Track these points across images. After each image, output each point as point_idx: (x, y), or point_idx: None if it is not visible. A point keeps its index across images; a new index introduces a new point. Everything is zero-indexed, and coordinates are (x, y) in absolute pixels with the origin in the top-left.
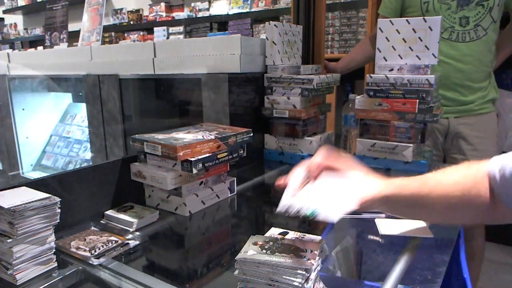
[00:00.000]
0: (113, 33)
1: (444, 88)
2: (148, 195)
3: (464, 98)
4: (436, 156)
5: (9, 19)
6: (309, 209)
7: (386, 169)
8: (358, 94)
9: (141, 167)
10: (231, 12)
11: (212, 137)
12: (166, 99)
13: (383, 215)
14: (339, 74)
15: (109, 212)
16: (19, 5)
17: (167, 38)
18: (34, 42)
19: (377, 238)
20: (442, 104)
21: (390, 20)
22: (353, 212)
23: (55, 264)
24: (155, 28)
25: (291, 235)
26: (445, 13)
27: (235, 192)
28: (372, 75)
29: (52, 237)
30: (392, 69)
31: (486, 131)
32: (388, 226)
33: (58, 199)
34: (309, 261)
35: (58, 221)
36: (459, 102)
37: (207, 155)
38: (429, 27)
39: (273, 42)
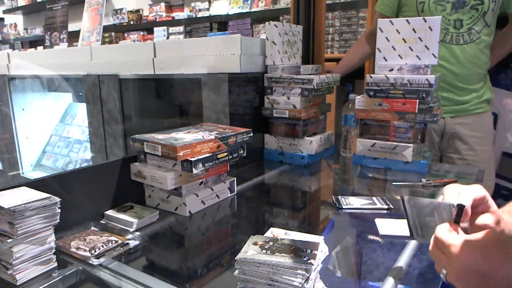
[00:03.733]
0: (113, 33)
1: (439, 88)
2: (148, 195)
3: (459, 98)
4: (433, 155)
5: (9, 19)
6: None
7: (386, 169)
8: (358, 94)
9: (141, 167)
10: (231, 12)
11: (212, 137)
12: (166, 99)
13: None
14: (338, 74)
15: (109, 212)
16: (19, 5)
17: (167, 38)
18: (34, 42)
19: (377, 238)
20: None
21: (390, 20)
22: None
23: (55, 264)
24: (155, 28)
25: (291, 235)
26: (440, 15)
27: (235, 192)
28: (372, 75)
29: (52, 237)
30: (392, 69)
31: (482, 130)
32: (388, 226)
33: (58, 199)
34: (309, 261)
35: (58, 221)
36: (455, 101)
37: (207, 155)
38: (429, 27)
39: (273, 42)
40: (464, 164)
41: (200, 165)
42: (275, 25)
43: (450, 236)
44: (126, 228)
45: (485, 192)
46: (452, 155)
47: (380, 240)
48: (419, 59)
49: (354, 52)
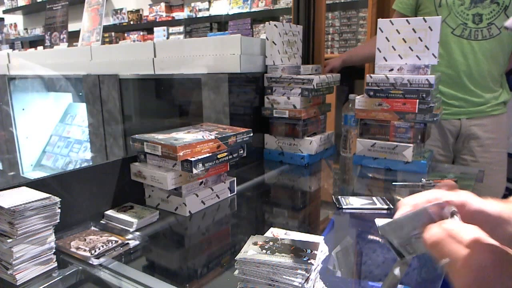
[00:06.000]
0: (113, 33)
1: (456, 88)
2: (148, 195)
3: (477, 99)
4: (445, 157)
5: (9, 19)
6: None
7: (386, 169)
8: (358, 94)
9: (141, 167)
10: (231, 12)
11: (212, 137)
12: (166, 99)
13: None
14: (338, 74)
15: (109, 212)
16: (19, 5)
17: (167, 38)
18: (34, 42)
19: (377, 238)
20: (453, 105)
21: (390, 20)
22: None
23: (55, 264)
24: (155, 28)
25: (291, 235)
26: (458, 9)
27: (235, 192)
28: (372, 75)
29: (52, 237)
30: (392, 69)
31: (498, 132)
32: None
33: (58, 199)
34: (309, 261)
35: (58, 221)
36: (472, 103)
37: (207, 155)
38: (429, 27)
39: (273, 42)
40: (477, 166)
41: (200, 165)
42: (275, 25)
43: (470, 228)
44: (126, 228)
45: (445, 194)
46: (466, 156)
47: (380, 240)
48: (419, 59)
49: (364, 47)
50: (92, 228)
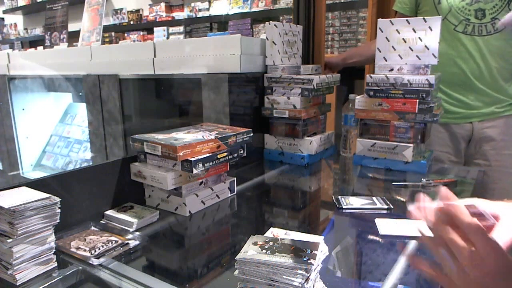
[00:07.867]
0: (113, 33)
1: (463, 88)
2: (148, 195)
3: (488, 99)
4: (457, 163)
5: (9, 19)
6: None
7: (386, 169)
8: (358, 94)
9: (141, 167)
10: (231, 12)
11: (212, 137)
12: (166, 99)
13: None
14: (338, 74)
15: (109, 212)
16: (19, 5)
17: (167, 38)
18: (34, 42)
19: (377, 238)
20: (463, 108)
21: (390, 20)
22: None
23: (55, 264)
24: (155, 28)
25: (291, 235)
26: (459, 5)
27: (235, 192)
28: (372, 75)
29: (52, 237)
30: (392, 69)
31: (510, 134)
32: (388, 226)
33: (58, 199)
34: (309, 261)
35: (58, 221)
36: (484, 103)
37: (207, 155)
38: (429, 27)
39: (273, 42)
40: (490, 170)
41: (200, 165)
42: (275, 25)
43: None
44: (126, 228)
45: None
46: (479, 161)
47: (380, 240)
48: (419, 59)
49: (365, 47)
50: (92, 228)
